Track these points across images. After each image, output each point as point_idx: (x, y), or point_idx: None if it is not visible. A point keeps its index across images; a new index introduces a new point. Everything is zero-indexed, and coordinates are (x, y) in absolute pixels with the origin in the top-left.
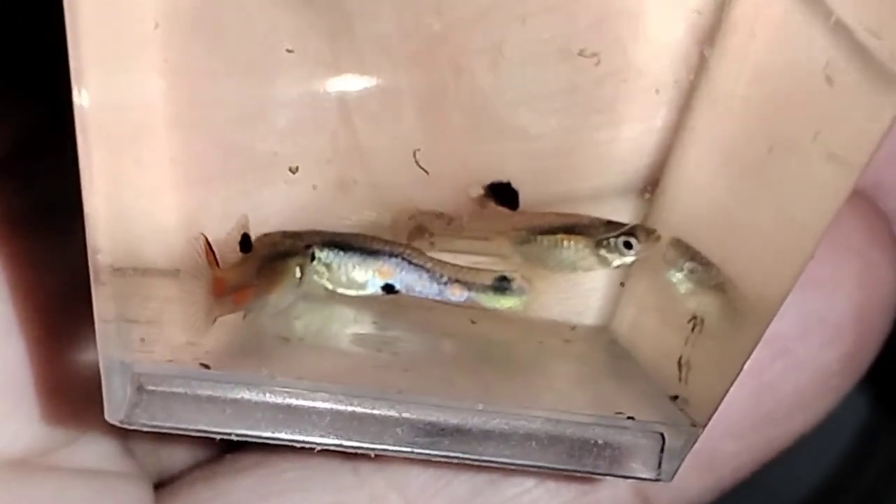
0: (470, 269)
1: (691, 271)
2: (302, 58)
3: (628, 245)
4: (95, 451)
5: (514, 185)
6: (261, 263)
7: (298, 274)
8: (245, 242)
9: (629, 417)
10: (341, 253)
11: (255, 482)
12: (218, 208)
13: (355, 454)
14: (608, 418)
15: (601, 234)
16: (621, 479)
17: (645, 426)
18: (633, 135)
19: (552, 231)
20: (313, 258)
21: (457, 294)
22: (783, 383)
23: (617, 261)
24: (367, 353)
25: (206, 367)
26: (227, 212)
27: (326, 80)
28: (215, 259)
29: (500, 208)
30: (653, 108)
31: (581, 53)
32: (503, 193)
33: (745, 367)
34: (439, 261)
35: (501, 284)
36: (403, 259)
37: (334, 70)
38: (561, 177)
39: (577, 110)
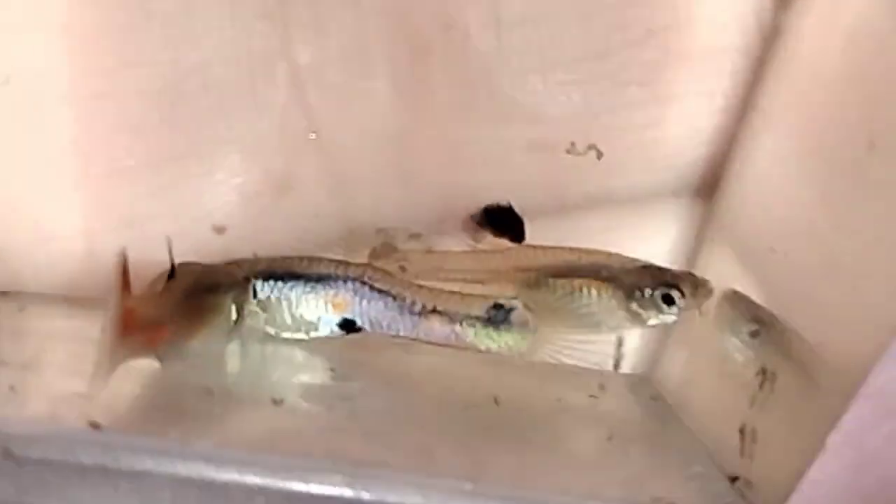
0: (454, 294)
1: (752, 335)
2: (238, 8)
3: (669, 300)
4: None
5: (522, 183)
6: (182, 297)
7: (234, 315)
8: (172, 272)
9: None
10: (281, 283)
11: None
12: (125, 210)
13: None
14: None
15: (635, 282)
16: None
17: None
18: (686, 116)
19: (569, 273)
20: (255, 294)
21: (437, 329)
22: (892, 453)
23: (654, 319)
24: (316, 411)
25: (97, 426)
26: (135, 215)
27: (270, 40)
28: (128, 284)
29: (500, 240)
30: (712, 81)
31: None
32: (503, 220)
33: (837, 435)
34: (412, 284)
35: (497, 315)
36: (364, 284)
37: (281, 25)
38: (584, 175)
39: (608, 83)
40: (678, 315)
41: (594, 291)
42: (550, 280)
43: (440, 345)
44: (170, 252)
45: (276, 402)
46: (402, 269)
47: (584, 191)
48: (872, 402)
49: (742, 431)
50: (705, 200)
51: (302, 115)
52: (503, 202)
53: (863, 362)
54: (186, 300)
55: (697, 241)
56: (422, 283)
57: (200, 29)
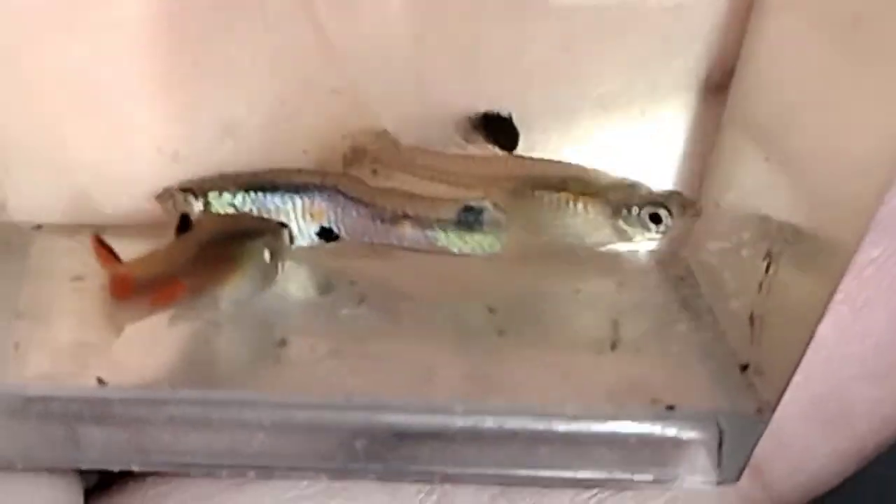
0: (425, 199)
1: (764, 257)
2: None
3: (656, 218)
4: None
5: (543, 83)
6: (205, 247)
7: (268, 259)
8: (184, 224)
9: (668, 407)
10: (261, 195)
11: None
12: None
13: None
14: (642, 410)
15: (622, 199)
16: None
17: (695, 417)
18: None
19: (558, 186)
20: (292, 239)
21: (409, 234)
22: (883, 321)
23: (639, 237)
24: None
25: (102, 382)
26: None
27: None
28: (113, 255)
29: (492, 147)
30: None
31: None
32: (499, 128)
33: (887, 283)
34: (384, 191)
35: (468, 217)
36: (338, 192)
37: None
38: (609, 64)
39: None
40: (665, 234)
41: (580, 205)
42: (538, 192)
43: (414, 249)
44: (178, 206)
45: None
46: (374, 172)
47: (600, 91)
48: (866, 274)
49: (751, 318)
50: (718, 95)
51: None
52: (504, 111)
53: (854, 236)
54: (211, 249)
55: (711, 136)
56: (395, 187)
57: None
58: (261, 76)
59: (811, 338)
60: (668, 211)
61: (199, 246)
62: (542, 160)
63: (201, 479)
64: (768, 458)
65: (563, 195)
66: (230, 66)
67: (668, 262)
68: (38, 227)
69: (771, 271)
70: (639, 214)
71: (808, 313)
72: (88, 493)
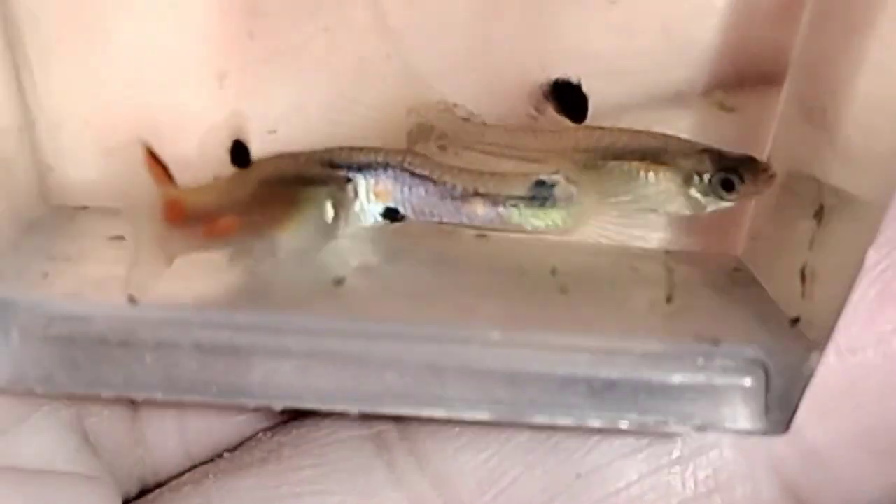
0: (495, 174)
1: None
2: None
3: (729, 185)
4: (40, 442)
5: (594, 80)
6: (265, 187)
7: (331, 212)
8: (239, 152)
9: (713, 342)
10: None
11: (259, 482)
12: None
13: (389, 439)
14: (682, 345)
15: (694, 166)
16: (755, 466)
17: (738, 355)
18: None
19: (628, 156)
20: (356, 193)
21: (480, 212)
22: None
23: (712, 205)
24: (367, 284)
25: (134, 301)
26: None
27: None
28: (167, 173)
29: (561, 118)
30: None
31: None
32: (569, 97)
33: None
34: (453, 167)
35: (541, 192)
36: (404, 170)
37: None
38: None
39: None
40: (737, 200)
41: (652, 174)
42: (609, 162)
43: (486, 228)
44: (241, 134)
45: (337, 282)
46: (442, 147)
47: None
48: None
49: (803, 273)
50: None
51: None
52: (574, 79)
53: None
54: (271, 189)
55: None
56: (464, 165)
57: None
58: (317, 54)
59: (851, 287)
60: (741, 177)
61: (258, 183)
62: (611, 129)
63: (245, 488)
64: (816, 490)
65: (634, 164)
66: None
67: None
68: (84, 207)
69: (822, 226)
70: (710, 182)
71: (851, 266)
72: None
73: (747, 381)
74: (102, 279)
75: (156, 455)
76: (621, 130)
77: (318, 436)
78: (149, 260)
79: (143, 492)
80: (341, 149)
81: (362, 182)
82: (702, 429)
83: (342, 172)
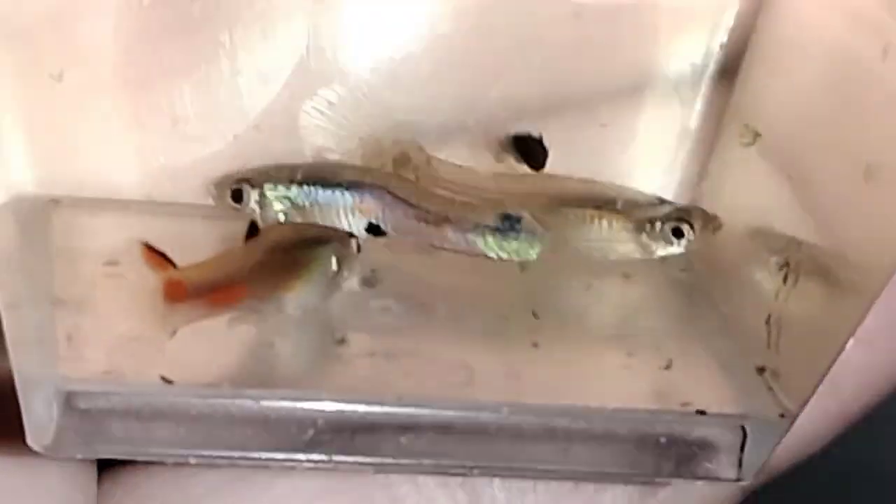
0: (467, 204)
1: (781, 266)
2: None
3: (678, 233)
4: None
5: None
6: (274, 251)
7: (335, 266)
8: (252, 229)
9: (699, 412)
10: (313, 189)
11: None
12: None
13: None
14: (673, 413)
15: (646, 214)
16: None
17: (721, 420)
18: None
19: (583, 203)
20: (358, 249)
21: (450, 236)
22: None
23: (662, 251)
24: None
25: (168, 381)
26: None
27: None
28: (166, 260)
29: (521, 166)
30: None
31: None
32: (529, 148)
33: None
34: (429, 192)
35: (507, 224)
36: (387, 191)
37: None
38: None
39: None
40: (686, 248)
41: (605, 222)
42: (563, 209)
43: (455, 251)
44: (252, 219)
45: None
46: (417, 178)
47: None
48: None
49: (768, 322)
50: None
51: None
52: (535, 132)
53: (886, 262)
54: (277, 255)
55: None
56: (441, 191)
57: None
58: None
59: (840, 353)
60: (690, 225)
61: (264, 251)
62: (569, 178)
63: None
64: None
65: (589, 212)
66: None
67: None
68: (55, 201)
69: (789, 282)
70: (661, 229)
71: (836, 328)
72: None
73: (728, 438)
74: (125, 345)
75: None
76: (577, 179)
77: None
78: (152, 334)
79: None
80: (334, 165)
81: (349, 198)
82: (686, 479)
83: (330, 195)
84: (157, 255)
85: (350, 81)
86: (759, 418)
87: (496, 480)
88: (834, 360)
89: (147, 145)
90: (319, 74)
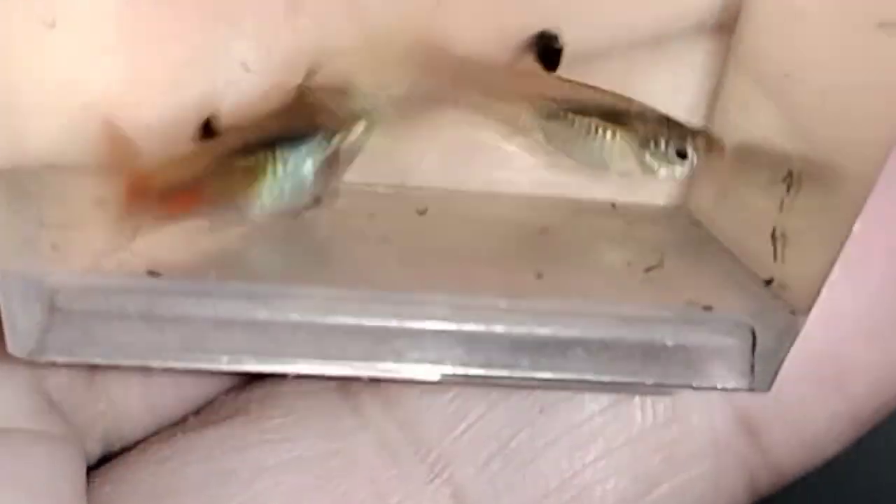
0: None
1: (784, 178)
2: None
3: (682, 154)
4: None
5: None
6: (225, 158)
7: (297, 165)
8: (208, 129)
9: (705, 308)
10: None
11: (227, 433)
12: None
13: (354, 387)
14: (678, 310)
15: (651, 132)
16: (710, 398)
17: (728, 319)
18: None
19: (590, 111)
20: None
21: None
22: None
23: (663, 171)
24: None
25: (155, 274)
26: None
27: None
28: (131, 150)
29: (536, 66)
30: None
31: None
32: (544, 46)
33: (877, 241)
34: None
35: None
36: None
37: None
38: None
39: None
40: (689, 171)
41: (609, 133)
42: (570, 114)
43: None
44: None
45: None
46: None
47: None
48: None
49: (773, 236)
50: (725, 35)
51: None
52: (552, 30)
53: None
54: (232, 158)
55: (719, 76)
56: None
57: None
58: None
59: (839, 252)
60: (694, 146)
61: (220, 154)
62: (579, 84)
63: (214, 439)
64: (766, 419)
65: (594, 121)
66: None
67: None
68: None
69: (792, 191)
70: (665, 149)
71: (835, 230)
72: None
73: (737, 343)
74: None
75: (120, 414)
76: (589, 87)
77: (284, 390)
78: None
79: (107, 458)
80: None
81: None
82: (696, 388)
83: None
84: (124, 140)
85: None
86: (769, 317)
87: (483, 474)
88: (835, 261)
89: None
90: None
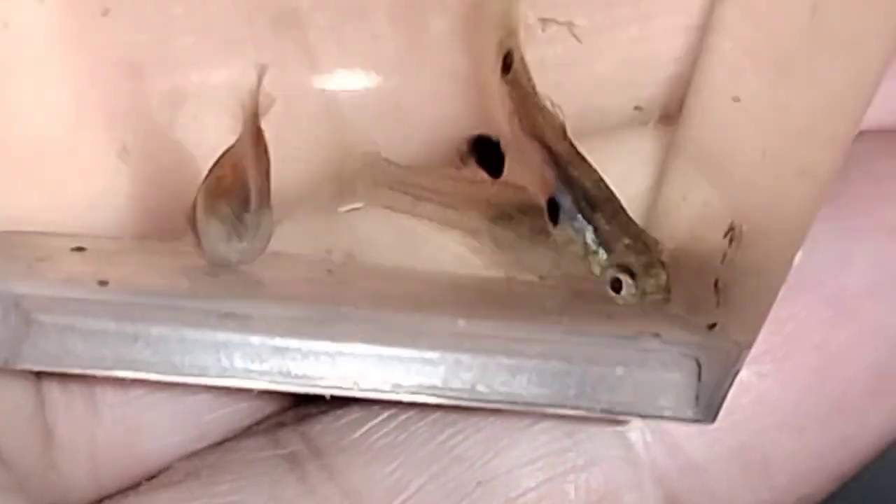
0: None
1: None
2: None
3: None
4: None
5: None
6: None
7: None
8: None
9: (654, 335)
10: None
11: (179, 496)
12: None
13: (301, 456)
14: (627, 339)
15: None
16: (642, 479)
17: (675, 350)
18: (666, 32)
19: (536, 213)
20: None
21: None
22: (854, 357)
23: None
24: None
25: (104, 283)
26: None
27: None
28: None
29: (481, 172)
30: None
31: None
32: (487, 152)
33: (807, 338)
34: None
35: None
36: None
37: None
38: (578, 93)
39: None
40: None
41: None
42: (516, 217)
43: None
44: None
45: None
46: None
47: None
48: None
49: (716, 285)
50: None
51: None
52: (493, 136)
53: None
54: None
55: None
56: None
57: None
58: None
59: (772, 299)
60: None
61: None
62: (524, 188)
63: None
64: (694, 501)
65: (539, 222)
66: None
67: None
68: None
69: (734, 245)
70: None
71: (771, 281)
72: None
73: (683, 374)
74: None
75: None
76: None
77: (234, 457)
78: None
79: None
80: None
81: None
82: (644, 416)
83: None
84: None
85: None
86: (713, 351)
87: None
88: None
89: None
90: None
